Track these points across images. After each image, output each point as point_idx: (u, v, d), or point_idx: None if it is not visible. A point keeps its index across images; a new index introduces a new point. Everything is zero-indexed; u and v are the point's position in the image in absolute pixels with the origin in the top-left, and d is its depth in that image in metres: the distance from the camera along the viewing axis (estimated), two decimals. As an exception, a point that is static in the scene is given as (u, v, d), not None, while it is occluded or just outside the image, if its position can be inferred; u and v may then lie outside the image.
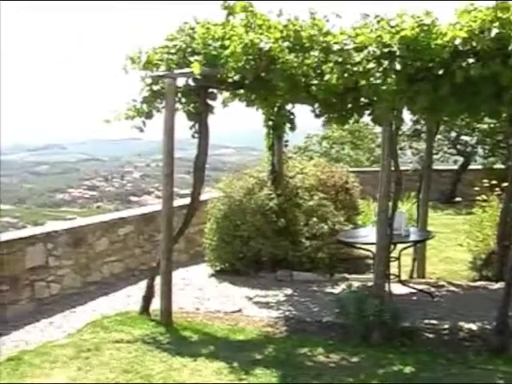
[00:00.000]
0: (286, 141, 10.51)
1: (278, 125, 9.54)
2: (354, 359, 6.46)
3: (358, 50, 6.46)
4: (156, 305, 7.82)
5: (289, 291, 9.21)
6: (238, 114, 9.28)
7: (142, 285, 8.61)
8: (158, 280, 7.84)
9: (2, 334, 7.41)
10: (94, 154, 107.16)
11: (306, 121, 8.29)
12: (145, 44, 7.64)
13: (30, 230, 9.34)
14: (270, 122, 9.95)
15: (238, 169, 11.66)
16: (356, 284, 8.72)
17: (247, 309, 8.34)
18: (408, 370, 6.13)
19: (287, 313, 8.18)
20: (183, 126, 7.80)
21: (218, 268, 10.26)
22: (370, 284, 8.07)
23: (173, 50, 7.50)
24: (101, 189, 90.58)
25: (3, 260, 7.97)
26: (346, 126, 21.48)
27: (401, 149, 16.85)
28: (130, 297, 8.91)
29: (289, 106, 8.22)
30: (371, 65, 6.27)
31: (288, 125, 8.47)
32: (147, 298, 7.89)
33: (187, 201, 8.18)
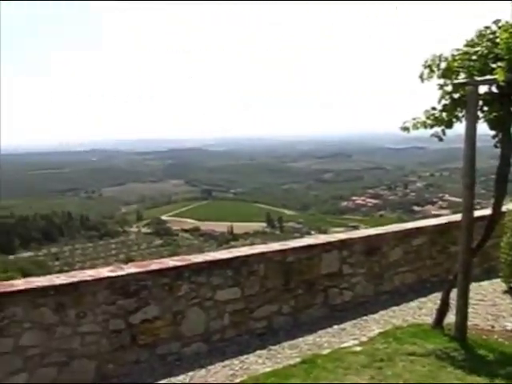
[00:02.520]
0: None
1: None
2: None
3: None
4: (449, 319, 7.61)
5: None
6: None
7: (433, 297, 8.47)
8: (451, 293, 7.62)
9: (297, 337, 7.67)
10: (378, 163, 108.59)
11: None
12: (444, 51, 7.44)
13: (326, 237, 9.56)
14: None
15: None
16: None
17: (546, 330, 7.85)
18: None
19: None
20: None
21: (512, 284, 9.77)
22: None
23: (474, 57, 7.19)
24: (384, 197, 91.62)
25: (301, 265, 8.28)
26: None
27: None
28: (421, 309, 8.80)
29: None
30: None
31: None
32: (441, 312, 7.69)
33: (478, 213, 7.80)
